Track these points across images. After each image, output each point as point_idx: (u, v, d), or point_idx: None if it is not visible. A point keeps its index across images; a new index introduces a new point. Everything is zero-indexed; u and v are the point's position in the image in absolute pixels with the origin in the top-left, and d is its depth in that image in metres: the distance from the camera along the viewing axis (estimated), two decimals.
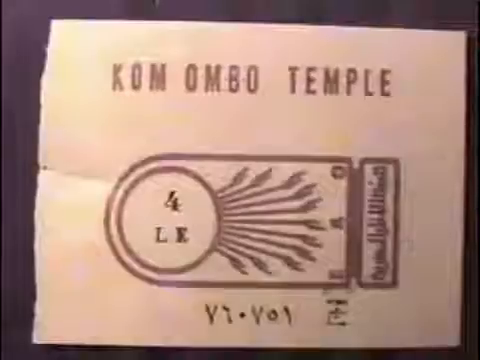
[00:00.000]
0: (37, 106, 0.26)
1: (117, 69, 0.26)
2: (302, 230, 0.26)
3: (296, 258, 0.26)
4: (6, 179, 0.27)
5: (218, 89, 0.26)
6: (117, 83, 0.26)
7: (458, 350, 0.27)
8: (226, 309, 0.26)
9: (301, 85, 0.26)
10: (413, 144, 0.26)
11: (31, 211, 0.26)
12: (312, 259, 0.26)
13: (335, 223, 0.26)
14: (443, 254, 0.26)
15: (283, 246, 0.26)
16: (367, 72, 0.26)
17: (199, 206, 0.26)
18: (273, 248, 0.26)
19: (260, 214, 0.26)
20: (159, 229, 0.26)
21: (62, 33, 0.26)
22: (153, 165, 0.26)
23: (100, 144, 0.26)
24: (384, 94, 0.26)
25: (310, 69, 0.26)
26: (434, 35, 0.27)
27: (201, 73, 0.26)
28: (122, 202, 0.26)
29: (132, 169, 0.26)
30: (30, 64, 0.26)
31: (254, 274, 0.26)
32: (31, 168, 0.26)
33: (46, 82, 0.26)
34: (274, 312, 0.26)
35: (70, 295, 0.26)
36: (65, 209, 0.26)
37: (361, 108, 0.26)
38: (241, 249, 0.26)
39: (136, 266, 0.26)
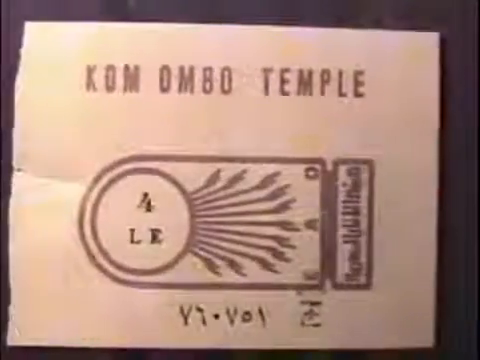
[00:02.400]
0: (11, 108, 0.26)
1: (91, 70, 0.26)
2: (276, 231, 0.26)
3: (270, 259, 0.26)
4: None
5: (192, 90, 0.26)
6: (91, 84, 0.26)
7: (432, 351, 0.27)
8: (200, 310, 0.26)
9: (275, 86, 0.26)
10: (387, 145, 0.26)
11: (5, 213, 0.26)
12: (286, 260, 0.26)
13: (309, 224, 0.26)
14: (417, 255, 0.26)
15: (257, 247, 0.26)
16: (341, 73, 0.26)
17: (173, 207, 0.26)
18: (247, 249, 0.26)
19: (234, 215, 0.26)
20: (133, 230, 0.26)
21: (35, 35, 0.26)
22: (127, 166, 0.26)
23: (74, 146, 0.26)
24: (358, 95, 0.26)
25: (284, 70, 0.26)
26: (408, 36, 0.27)
27: (175, 74, 0.26)
28: (96, 203, 0.26)
29: (106, 170, 0.26)
30: (5, 66, 0.26)
31: (228, 275, 0.26)
32: (5, 170, 0.26)
33: (19, 84, 0.26)
34: (248, 313, 0.26)
35: (44, 297, 0.26)
36: (39, 210, 0.26)
37: (335, 109, 0.26)
38: (215, 250, 0.26)
39: (110, 268, 0.26)
